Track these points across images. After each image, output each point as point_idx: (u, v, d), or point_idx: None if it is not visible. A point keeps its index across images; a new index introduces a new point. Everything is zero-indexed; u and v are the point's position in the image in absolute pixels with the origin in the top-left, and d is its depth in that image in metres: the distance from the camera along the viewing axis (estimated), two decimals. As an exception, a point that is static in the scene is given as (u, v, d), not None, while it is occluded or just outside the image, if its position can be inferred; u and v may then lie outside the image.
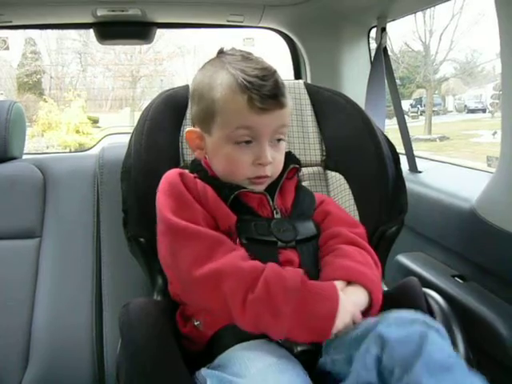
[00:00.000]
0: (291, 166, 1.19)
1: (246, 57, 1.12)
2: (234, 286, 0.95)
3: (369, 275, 1.06)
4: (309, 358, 1.00)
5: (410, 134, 1.92)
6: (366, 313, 1.02)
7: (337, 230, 1.16)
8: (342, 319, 0.95)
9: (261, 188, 1.13)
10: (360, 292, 1.04)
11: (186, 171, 1.17)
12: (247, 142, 1.08)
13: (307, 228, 1.15)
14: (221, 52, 1.16)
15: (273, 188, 1.15)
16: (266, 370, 0.87)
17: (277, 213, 1.14)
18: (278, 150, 1.13)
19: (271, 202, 1.14)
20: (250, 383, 0.86)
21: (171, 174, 1.13)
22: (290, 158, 1.21)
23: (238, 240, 1.06)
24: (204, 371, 0.97)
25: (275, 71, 1.09)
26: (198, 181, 1.11)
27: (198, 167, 1.18)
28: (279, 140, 1.13)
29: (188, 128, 1.19)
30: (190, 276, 0.98)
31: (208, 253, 0.99)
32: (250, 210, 1.11)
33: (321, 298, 0.96)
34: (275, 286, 0.94)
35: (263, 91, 1.04)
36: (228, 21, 2.13)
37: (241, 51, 1.14)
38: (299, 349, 0.99)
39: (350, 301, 0.99)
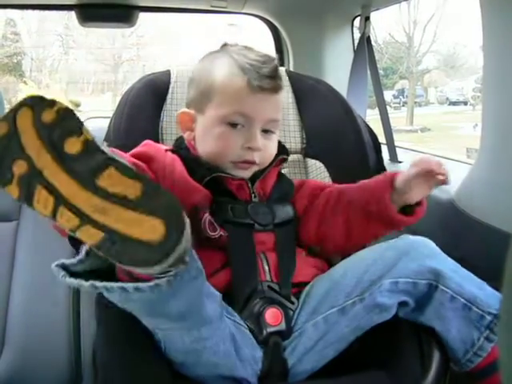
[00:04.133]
0: (280, 157, 1.20)
1: (249, 48, 1.16)
2: None
3: None
4: (277, 342, 1.01)
5: (392, 124, 1.92)
6: None
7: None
8: None
9: (245, 174, 1.13)
10: None
11: (159, 145, 1.18)
12: (239, 125, 1.09)
13: (285, 212, 1.16)
14: (224, 45, 1.20)
15: (256, 175, 1.16)
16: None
17: (255, 197, 1.14)
18: (270, 139, 1.15)
19: (251, 186, 1.14)
20: None
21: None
22: (281, 149, 1.22)
23: (206, 215, 1.05)
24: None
25: (275, 59, 1.13)
26: (169, 153, 1.12)
27: (181, 145, 1.18)
28: (271, 132, 1.14)
29: (183, 110, 1.19)
30: None
31: None
32: (227, 193, 1.11)
33: None
34: None
35: (262, 72, 1.08)
36: (212, 6, 2.10)
37: (243, 45, 1.18)
38: (269, 330, 0.99)
39: None
